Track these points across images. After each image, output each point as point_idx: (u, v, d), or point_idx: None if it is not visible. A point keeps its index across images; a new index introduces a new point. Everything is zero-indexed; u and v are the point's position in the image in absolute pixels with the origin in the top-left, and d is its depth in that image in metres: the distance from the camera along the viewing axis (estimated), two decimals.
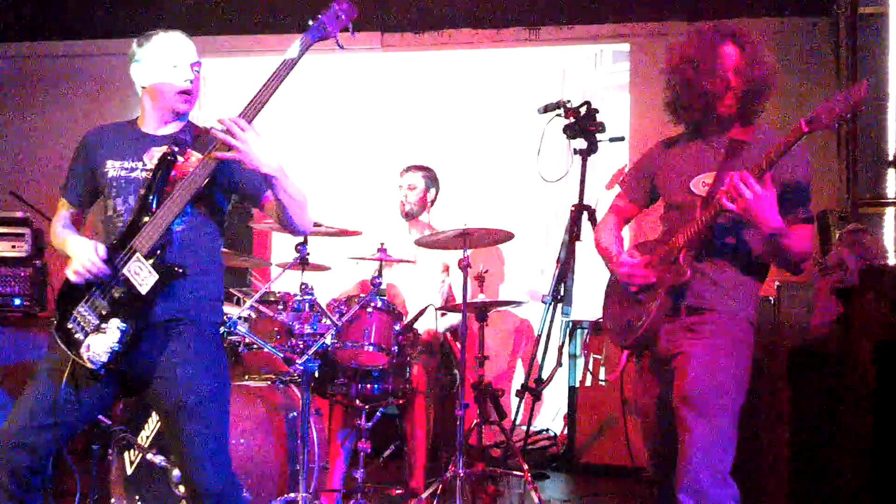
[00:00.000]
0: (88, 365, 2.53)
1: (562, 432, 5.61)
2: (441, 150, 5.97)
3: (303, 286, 3.81)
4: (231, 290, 4.28)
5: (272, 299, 3.92)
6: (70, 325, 2.60)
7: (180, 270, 2.57)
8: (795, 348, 3.72)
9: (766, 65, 2.74)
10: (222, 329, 3.74)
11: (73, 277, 2.59)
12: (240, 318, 3.77)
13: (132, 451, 3.54)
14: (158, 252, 2.57)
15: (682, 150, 2.91)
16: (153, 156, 2.70)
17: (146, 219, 2.60)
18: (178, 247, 2.64)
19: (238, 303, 3.98)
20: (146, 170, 2.70)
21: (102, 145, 2.78)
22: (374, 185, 5.73)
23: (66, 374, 2.55)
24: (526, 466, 3.90)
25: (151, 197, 2.62)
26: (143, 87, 2.78)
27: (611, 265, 2.98)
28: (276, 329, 3.79)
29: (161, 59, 2.74)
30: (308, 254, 3.79)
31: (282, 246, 6.01)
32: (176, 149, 2.66)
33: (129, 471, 3.54)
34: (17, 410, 2.59)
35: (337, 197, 6.12)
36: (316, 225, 3.75)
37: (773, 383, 3.66)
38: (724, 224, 2.72)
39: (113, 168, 2.73)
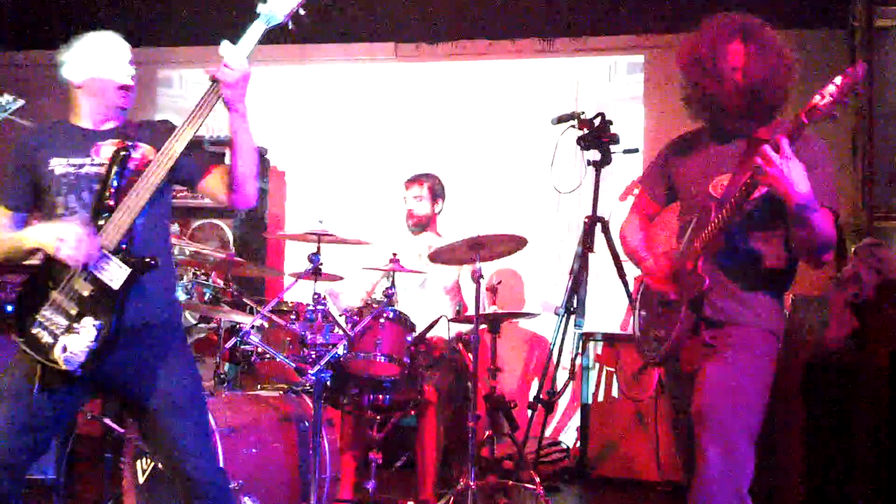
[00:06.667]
0: (63, 367, 2.49)
1: (574, 445, 5.58)
2: (454, 160, 5.97)
3: (315, 296, 3.82)
4: (244, 299, 4.29)
5: (285, 309, 3.93)
6: (35, 331, 2.54)
7: (153, 262, 2.55)
8: (810, 362, 3.70)
9: (774, 56, 2.63)
10: (234, 340, 3.79)
11: (71, 263, 2.50)
12: (252, 327, 3.78)
13: (144, 458, 3.54)
14: (124, 247, 2.55)
15: (702, 149, 2.82)
16: (101, 151, 2.67)
17: (106, 215, 2.57)
18: (140, 241, 2.60)
19: (251, 312, 3.98)
20: (95, 164, 2.66)
21: (43, 145, 2.71)
22: (387, 195, 5.74)
23: (36, 380, 2.52)
24: (538, 479, 3.88)
25: (108, 193, 2.59)
26: (79, 85, 2.74)
27: (642, 268, 2.92)
28: (288, 339, 3.79)
29: (97, 55, 2.73)
30: (321, 264, 3.79)
31: (295, 256, 6.02)
32: (129, 143, 2.65)
33: (141, 479, 3.53)
34: None
35: (350, 206, 6.13)
36: (326, 235, 3.76)
37: (788, 396, 3.63)
38: (742, 229, 2.62)
39: (59, 165, 2.67)
